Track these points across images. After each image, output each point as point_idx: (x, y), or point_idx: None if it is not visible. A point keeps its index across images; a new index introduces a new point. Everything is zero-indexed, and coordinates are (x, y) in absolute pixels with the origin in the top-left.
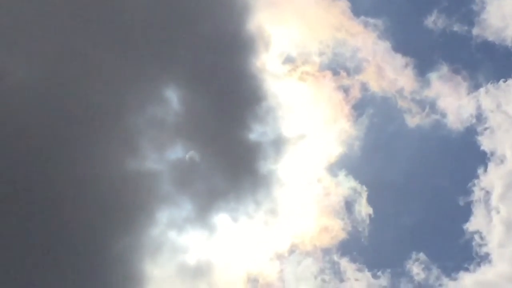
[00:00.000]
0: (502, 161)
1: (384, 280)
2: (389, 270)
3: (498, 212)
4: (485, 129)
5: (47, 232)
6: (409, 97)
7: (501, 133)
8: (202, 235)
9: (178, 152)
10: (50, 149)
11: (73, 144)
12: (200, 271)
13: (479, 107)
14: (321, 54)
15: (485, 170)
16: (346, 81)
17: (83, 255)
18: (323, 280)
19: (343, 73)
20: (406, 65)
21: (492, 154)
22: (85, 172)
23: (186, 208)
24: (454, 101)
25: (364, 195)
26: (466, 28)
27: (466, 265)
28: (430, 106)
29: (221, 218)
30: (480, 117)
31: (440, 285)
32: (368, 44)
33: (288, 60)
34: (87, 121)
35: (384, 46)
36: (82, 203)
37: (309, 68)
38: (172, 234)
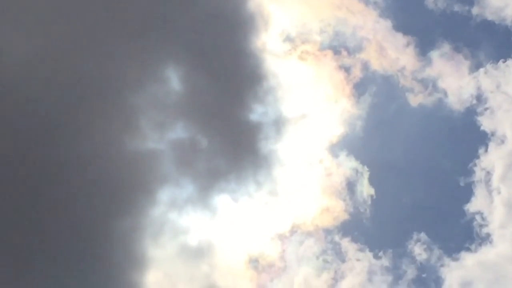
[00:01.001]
0: (502, 142)
1: (386, 261)
2: (390, 251)
3: (499, 192)
4: (485, 109)
5: (46, 213)
6: (410, 76)
7: (501, 113)
8: (203, 215)
9: (178, 132)
10: (48, 128)
11: (72, 123)
12: (201, 252)
13: (479, 88)
14: (321, 32)
15: (486, 151)
16: (347, 60)
17: (83, 236)
18: (325, 261)
19: (344, 52)
20: (408, 44)
21: (493, 134)
22: (85, 152)
23: (187, 188)
24: (454, 81)
25: (366, 175)
26: (466, 8)
27: (467, 246)
28: (432, 85)
29: (222, 199)
30: (480, 97)
31: (442, 265)
32: (369, 22)
33: (289, 39)
34: (86, 100)
35: (385, 24)
36: (82, 183)
37: (310, 47)
38: (173, 215)
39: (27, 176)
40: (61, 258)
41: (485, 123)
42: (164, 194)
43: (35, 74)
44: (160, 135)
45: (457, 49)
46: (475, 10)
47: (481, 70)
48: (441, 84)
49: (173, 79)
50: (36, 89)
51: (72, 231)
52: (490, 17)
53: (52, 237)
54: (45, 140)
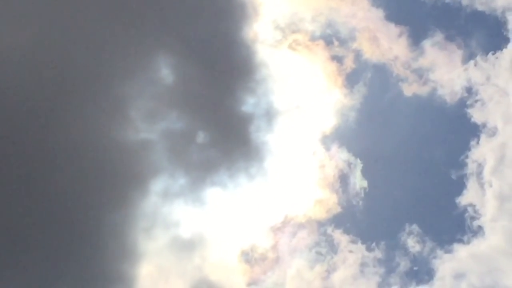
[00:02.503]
0: (494, 133)
1: (379, 253)
2: (383, 243)
3: (490, 185)
4: (476, 101)
5: (36, 206)
6: (403, 67)
7: (492, 105)
8: (195, 208)
9: (169, 123)
10: (39, 118)
11: (63, 113)
12: (193, 244)
13: (469, 80)
14: (313, 22)
15: (478, 143)
16: (339, 50)
17: (74, 228)
18: (318, 253)
19: (336, 42)
20: (400, 34)
21: (484, 126)
22: (75, 143)
23: (178, 180)
24: (444, 73)
25: (359, 167)
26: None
27: (459, 238)
28: (424, 75)
29: (214, 191)
30: (470, 89)
31: (434, 257)
32: (361, 12)
33: (280, 29)
34: (77, 90)
35: (377, 14)
36: (72, 175)
37: (302, 37)
38: (165, 207)
39: (16, 169)
40: (52, 251)
41: (476, 115)
42: (156, 186)
43: (25, 65)
44: (151, 126)
45: (449, 40)
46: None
47: (472, 61)
48: (433, 75)
49: (164, 70)
50: (26, 81)
51: (63, 224)
52: (480, 7)
53: (43, 230)
54: (35, 132)
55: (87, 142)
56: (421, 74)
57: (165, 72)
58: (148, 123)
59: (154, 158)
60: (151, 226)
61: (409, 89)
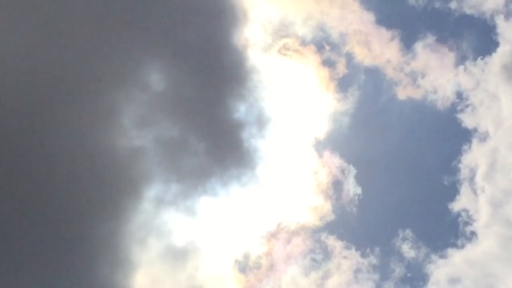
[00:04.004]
0: (485, 139)
1: (373, 259)
2: (378, 249)
3: (483, 191)
4: (467, 106)
5: (27, 214)
6: (395, 70)
7: (483, 110)
8: (188, 217)
9: (160, 129)
10: (28, 125)
11: (53, 119)
12: (186, 253)
13: (460, 85)
14: (304, 26)
15: (470, 147)
16: (330, 55)
17: (66, 238)
18: (313, 260)
19: (328, 47)
20: (392, 38)
21: (475, 131)
22: (66, 150)
23: (171, 189)
24: (435, 79)
25: (352, 173)
26: (446, 4)
27: (453, 243)
28: (416, 80)
29: (206, 199)
30: (461, 94)
31: (429, 262)
32: (352, 16)
33: (270, 33)
34: (66, 96)
35: (368, 18)
36: (64, 183)
37: (293, 41)
38: (158, 215)
39: (4, 177)
40: (45, 260)
41: (467, 120)
42: (148, 194)
43: (12, 71)
44: (142, 134)
45: (440, 42)
46: (453, 4)
47: (462, 67)
48: (423, 81)
49: (154, 76)
50: (14, 87)
51: (54, 234)
52: (468, 11)
53: (33, 240)
54: (24, 139)
55: (77, 149)
56: (414, 78)
57: (155, 78)
58: (138, 130)
59: (145, 166)
60: (144, 235)
61: (403, 93)
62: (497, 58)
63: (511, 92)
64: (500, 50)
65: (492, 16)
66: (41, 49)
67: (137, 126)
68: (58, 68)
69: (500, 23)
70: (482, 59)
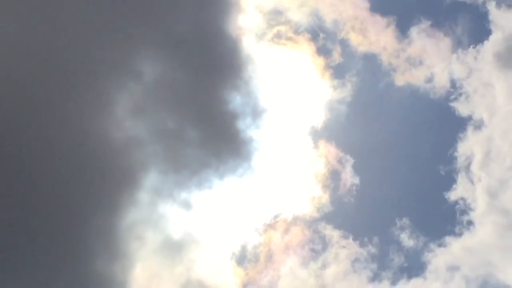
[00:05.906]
0: (479, 127)
1: (372, 248)
2: (376, 238)
3: (479, 180)
4: (461, 94)
5: (21, 208)
6: (391, 56)
7: (477, 97)
8: (185, 208)
9: (155, 120)
10: (22, 117)
11: (46, 113)
12: (184, 246)
13: (453, 73)
14: (298, 13)
15: (466, 135)
16: (325, 42)
17: (63, 231)
18: (311, 250)
19: (322, 34)
20: (388, 24)
21: (470, 119)
22: (60, 143)
23: (167, 181)
24: (427, 68)
25: (350, 163)
26: None
27: (450, 231)
28: (411, 65)
29: (203, 191)
30: (455, 83)
31: (427, 251)
32: (346, 2)
33: (264, 21)
34: (59, 88)
35: (363, 4)
36: (59, 176)
37: (288, 29)
38: (155, 208)
39: (2, 172)
40: (41, 254)
41: (461, 108)
42: (144, 187)
43: (5, 62)
44: (137, 124)
45: (436, 28)
46: None
47: (455, 55)
48: (418, 69)
49: (147, 67)
50: (7, 78)
51: (50, 227)
52: None
53: (30, 234)
54: (17, 132)
55: (72, 141)
56: (411, 64)
57: (148, 69)
58: (134, 121)
59: (140, 157)
60: (140, 228)
61: (401, 79)
62: (489, 46)
63: (505, 79)
64: (492, 38)
65: (484, 3)
66: (34, 40)
67: (131, 116)
68: (52, 59)
69: (492, 9)
70: (474, 47)
